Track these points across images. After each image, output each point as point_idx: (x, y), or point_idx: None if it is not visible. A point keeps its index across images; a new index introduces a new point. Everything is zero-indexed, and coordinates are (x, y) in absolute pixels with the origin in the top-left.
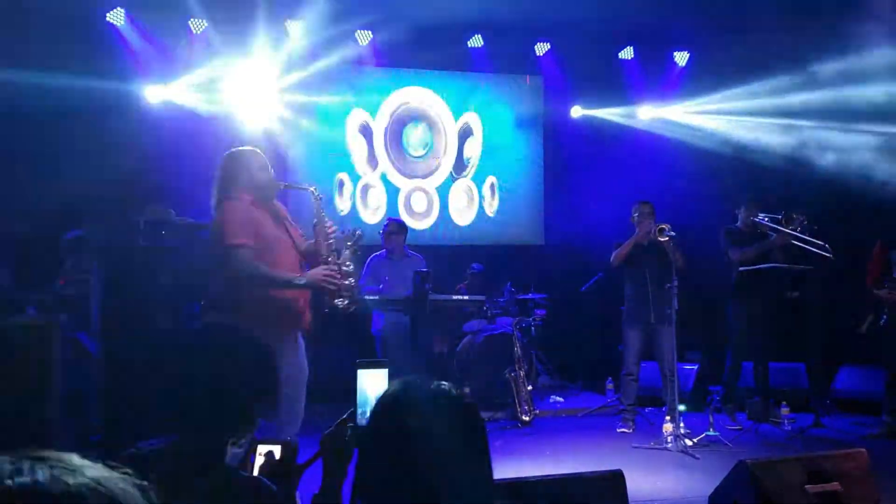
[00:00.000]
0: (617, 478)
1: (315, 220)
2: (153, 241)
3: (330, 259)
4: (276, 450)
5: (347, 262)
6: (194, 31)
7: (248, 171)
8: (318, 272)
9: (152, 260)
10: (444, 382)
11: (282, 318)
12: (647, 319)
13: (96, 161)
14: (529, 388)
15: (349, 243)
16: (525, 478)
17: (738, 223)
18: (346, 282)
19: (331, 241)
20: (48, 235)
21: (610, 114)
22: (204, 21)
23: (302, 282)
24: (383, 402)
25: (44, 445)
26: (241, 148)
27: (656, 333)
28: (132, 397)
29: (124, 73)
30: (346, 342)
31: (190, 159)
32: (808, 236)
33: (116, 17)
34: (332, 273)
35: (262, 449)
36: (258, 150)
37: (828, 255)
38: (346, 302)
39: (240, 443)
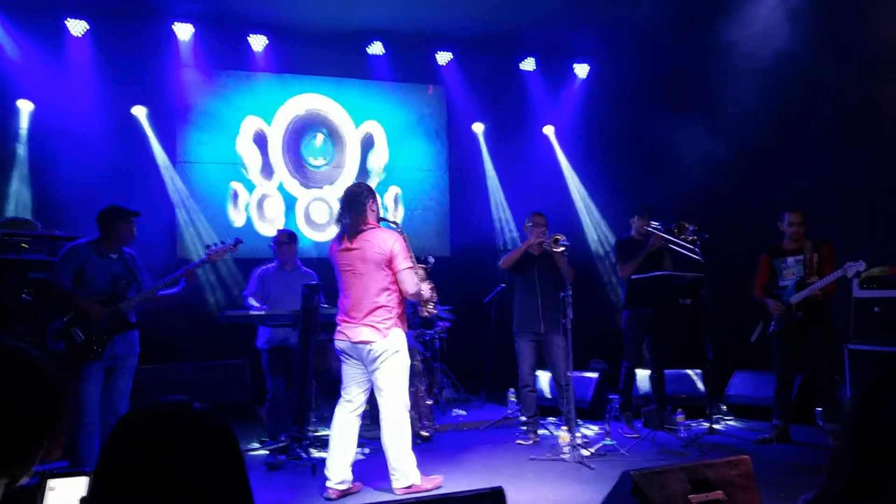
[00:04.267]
0: (497, 495)
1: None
2: (14, 253)
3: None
4: (77, 483)
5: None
6: (73, 33)
7: (376, 205)
8: (426, 287)
9: (13, 273)
10: (191, 402)
11: (405, 323)
12: (537, 329)
13: None
14: (430, 402)
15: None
16: (401, 500)
17: (632, 232)
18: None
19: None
20: None
21: (513, 126)
22: (84, 22)
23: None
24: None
25: None
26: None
27: (548, 343)
28: None
29: None
30: (238, 355)
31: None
32: (699, 245)
33: None
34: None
35: (57, 483)
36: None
37: (698, 258)
38: (435, 310)
39: (14, 485)
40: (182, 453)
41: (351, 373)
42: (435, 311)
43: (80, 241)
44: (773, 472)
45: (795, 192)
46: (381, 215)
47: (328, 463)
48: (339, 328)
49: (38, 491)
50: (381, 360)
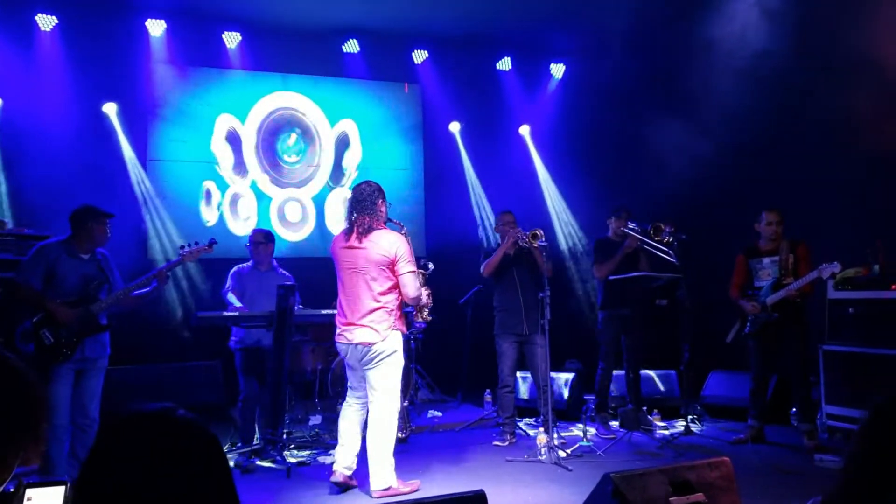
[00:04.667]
0: (479, 499)
1: None
2: None
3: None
4: (55, 493)
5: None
6: (42, 28)
7: (384, 205)
8: (424, 293)
9: None
10: (175, 409)
11: (402, 325)
12: (520, 331)
13: None
14: (406, 403)
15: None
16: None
17: (609, 233)
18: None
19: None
20: None
21: (489, 126)
22: (53, 17)
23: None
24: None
25: None
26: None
27: (530, 343)
28: None
29: None
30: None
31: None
32: (675, 246)
33: None
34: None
35: (35, 493)
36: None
37: (672, 260)
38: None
39: None
40: (167, 464)
41: (356, 374)
42: (429, 318)
43: (50, 240)
44: (750, 473)
45: (772, 193)
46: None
47: (336, 450)
48: (339, 330)
49: (16, 499)
50: (377, 361)
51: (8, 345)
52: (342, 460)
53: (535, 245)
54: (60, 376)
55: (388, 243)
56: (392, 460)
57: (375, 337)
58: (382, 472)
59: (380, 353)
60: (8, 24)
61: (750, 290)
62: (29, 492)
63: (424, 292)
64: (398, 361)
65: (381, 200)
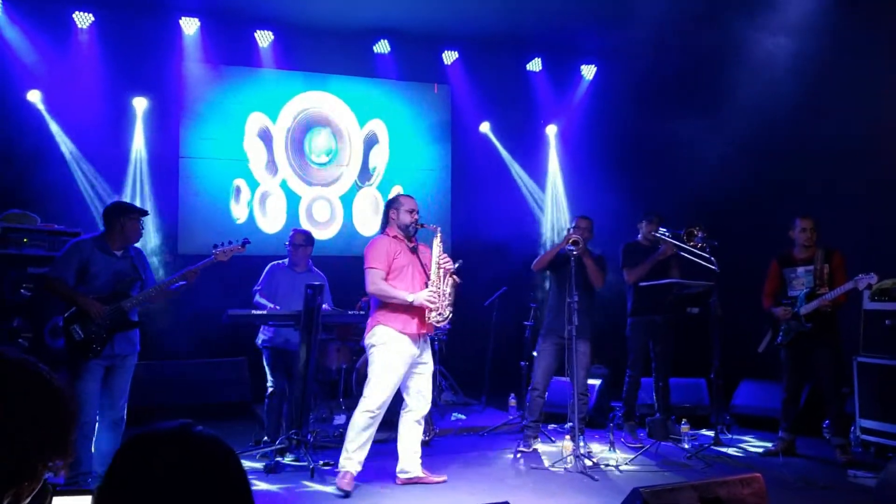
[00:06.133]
0: None
1: (435, 253)
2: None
3: (436, 283)
4: (82, 502)
5: (447, 289)
6: (79, 25)
7: (398, 213)
8: (424, 293)
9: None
10: (192, 426)
11: (404, 323)
12: (565, 333)
13: None
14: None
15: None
16: None
17: (640, 237)
18: (445, 303)
19: (443, 268)
20: None
21: (518, 126)
22: (90, 15)
23: (410, 299)
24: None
25: None
26: (399, 194)
27: (572, 348)
28: None
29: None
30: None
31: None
32: (707, 252)
33: None
34: (433, 295)
35: (62, 502)
36: (411, 197)
37: (713, 267)
38: (440, 318)
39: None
40: (186, 482)
41: None
42: (438, 320)
43: (84, 236)
44: (781, 488)
45: (807, 200)
46: (406, 221)
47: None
48: None
49: None
50: (368, 353)
51: (37, 340)
52: (399, 465)
53: (570, 249)
54: (89, 372)
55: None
56: (354, 448)
57: (366, 331)
58: (346, 455)
59: (366, 346)
60: (47, 21)
61: (783, 300)
62: (57, 500)
63: (425, 293)
64: (377, 355)
65: (391, 209)
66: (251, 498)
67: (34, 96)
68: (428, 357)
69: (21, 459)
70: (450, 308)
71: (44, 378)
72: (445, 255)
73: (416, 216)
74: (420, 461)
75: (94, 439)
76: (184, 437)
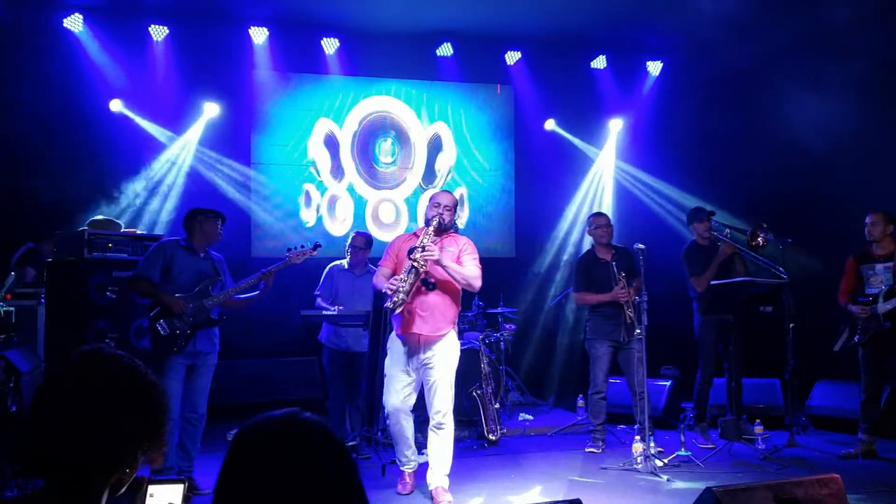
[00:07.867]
0: None
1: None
2: (100, 251)
3: (399, 275)
4: (174, 490)
5: (405, 279)
6: (154, 38)
7: (428, 209)
8: (388, 283)
9: (98, 272)
10: (299, 413)
11: (399, 324)
12: (617, 336)
13: (68, 168)
14: (497, 406)
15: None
16: None
17: (695, 237)
18: (398, 293)
19: (412, 262)
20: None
21: (582, 128)
22: (165, 28)
23: (384, 288)
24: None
25: None
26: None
27: (626, 349)
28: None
29: (82, 83)
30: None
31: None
32: (780, 249)
33: (74, 23)
34: (392, 284)
35: (156, 490)
36: (444, 192)
37: (782, 275)
38: (390, 306)
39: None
40: (301, 465)
41: None
42: (388, 306)
43: (170, 237)
44: (861, 492)
45: (882, 195)
46: (427, 215)
47: None
48: None
49: (138, 495)
50: None
51: (123, 340)
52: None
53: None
54: (172, 370)
55: None
56: (395, 449)
57: None
58: None
59: None
60: (125, 35)
61: (862, 298)
62: (151, 488)
63: (388, 282)
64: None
65: (427, 206)
66: (359, 477)
67: (115, 105)
68: (435, 361)
69: (124, 447)
70: (402, 295)
71: (140, 372)
72: (432, 245)
73: (437, 210)
74: (444, 477)
75: (176, 437)
76: (294, 422)
